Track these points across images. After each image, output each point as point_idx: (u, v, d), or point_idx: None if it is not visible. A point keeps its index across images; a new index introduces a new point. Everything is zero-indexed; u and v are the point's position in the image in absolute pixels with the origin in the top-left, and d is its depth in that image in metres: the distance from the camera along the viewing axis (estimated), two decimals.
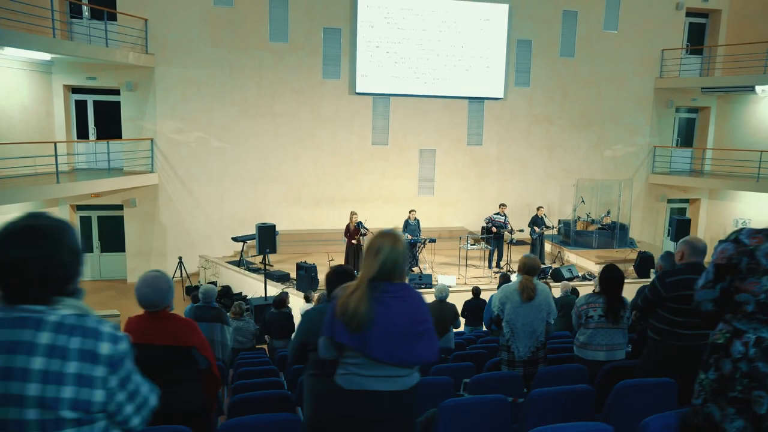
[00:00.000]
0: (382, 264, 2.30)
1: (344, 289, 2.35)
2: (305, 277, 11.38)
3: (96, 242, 14.23)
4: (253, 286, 12.10)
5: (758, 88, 15.23)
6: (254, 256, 13.43)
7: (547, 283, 10.12)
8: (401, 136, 15.36)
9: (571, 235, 15.12)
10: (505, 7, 15.24)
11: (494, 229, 13.10)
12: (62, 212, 13.60)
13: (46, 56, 12.17)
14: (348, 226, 12.41)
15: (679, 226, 13.14)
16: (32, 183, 11.20)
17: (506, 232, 13.19)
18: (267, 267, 11.95)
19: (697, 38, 17.23)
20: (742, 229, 2.17)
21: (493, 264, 13.39)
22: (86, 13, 13.40)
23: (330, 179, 15.02)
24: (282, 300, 8.29)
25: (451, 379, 3.94)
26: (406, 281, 2.40)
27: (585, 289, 11.04)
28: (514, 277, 9.49)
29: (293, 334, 3.20)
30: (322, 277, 11.69)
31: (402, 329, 2.29)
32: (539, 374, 4.09)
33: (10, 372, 1.41)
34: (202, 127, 14.13)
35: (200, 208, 14.30)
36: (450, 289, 8.14)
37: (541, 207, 13.86)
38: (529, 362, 4.53)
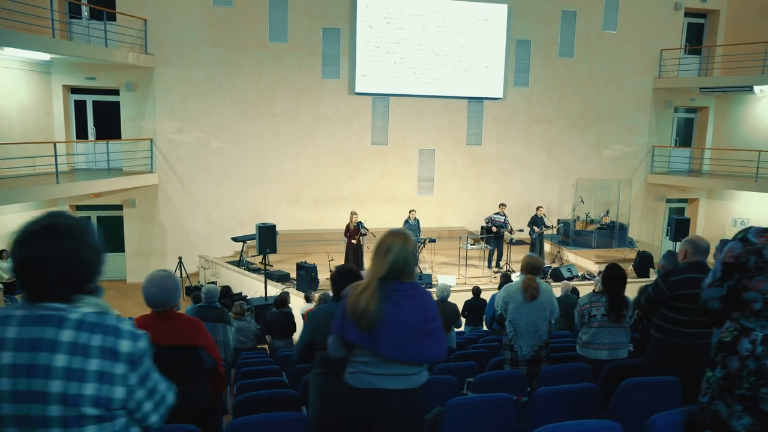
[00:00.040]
0: (392, 263, 2.32)
1: (354, 288, 2.36)
2: (305, 277, 11.39)
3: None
4: (252, 286, 12.10)
5: (756, 88, 15.28)
6: (254, 256, 13.43)
7: (548, 283, 10.13)
8: (400, 136, 15.37)
9: (570, 235, 15.15)
10: (504, 7, 15.27)
11: (494, 229, 13.11)
12: None
13: (46, 56, 12.16)
14: (348, 226, 12.41)
15: (678, 225, 13.18)
16: (32, 183, 11.19)
17: (506, 232, 13.20)
18: (267, 267, 11.95)
19: (695, 38, 17.27)
20: (749, 228, 2.18)
21: (493, 264, 13.41)
22: (85, 13, 13.38)
23: (329, 179, 15.03)
24: (283, 300, 8.29)
25: (455, 378, 3.95)
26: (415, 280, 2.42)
27: (584, 289, 11.07)
28: (515, 277, 9.52)
29: (300, 334, 3.21)
30: (322, 277, 11.74)
31: (412, 328, 2.30)
32: (543, 373, 4.10)
33: (33, 369, 1.43)
34: (202, 128, 14.12)
35: (200, 208, 14.29)
36: (450, 288, 8.16)
37: (541, 207, 13.88)
38: (532, 361, 4.54)
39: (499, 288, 8.10)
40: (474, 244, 13.73)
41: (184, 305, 8.35)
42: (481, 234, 13.98)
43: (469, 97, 15.60)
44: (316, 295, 9.37)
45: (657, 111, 16.77)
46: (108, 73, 13.40)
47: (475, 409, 3.04)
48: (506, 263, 13.16)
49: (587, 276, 13.05)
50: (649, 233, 17.07)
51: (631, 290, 4.85)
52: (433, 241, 13.10)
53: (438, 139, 15.63)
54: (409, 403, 2.37)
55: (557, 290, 9.36)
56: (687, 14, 16.78)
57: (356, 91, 14.80)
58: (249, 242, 13.16)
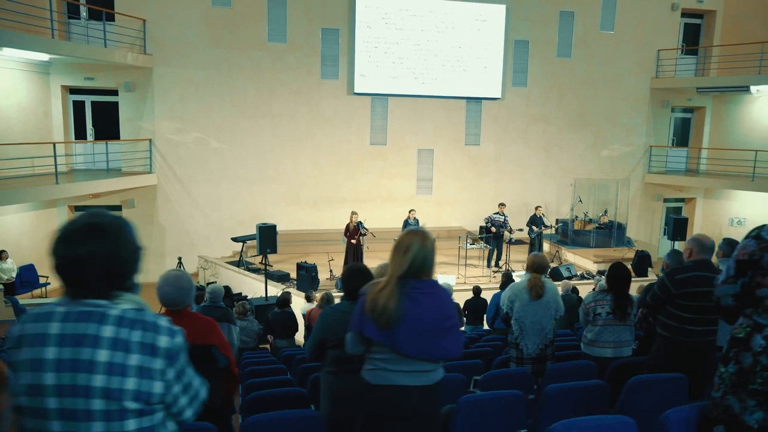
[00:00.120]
0: (411, 261, 2.35)
1: (373, 285, 2.39)
2: (306, 277, 11.40)
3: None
4: (252, 287, 12.11)
5: (753, 88, 15.38)
6: (253, 256, 13.43)
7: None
8: (399, 136, 15.40)
9: (568, 235, 15.21)
10: (502, 8, 15.32)
11: (493, 229, 13.15)
12: (60, 213, 13.58)
13: (44, 57, 12.14)
14: (348, 226, 12.43)
15: (676, 225, 13.24)
16: (31, 184, 11.17)
17: (506, 232, 13.25)
18: (267, 267, 11.96)
19: (692, 39, 17.36)
20: (763, 226, 2.21)
21: (492, 263, 13.45)
22: (84, 14, 13.36)
23: (328, 179, 15.05)
24: (286, 300, 8.31)
25: (464, 376, 3.98)
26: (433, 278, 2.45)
27: (584, 288, 11.14)
28: (516, 276, 9.55)
29: (311, 332, 3.23)
30: (322, 277, 11.76)
31: (430, 325, 2.33)
32: (549, 371, 4.14)
33: (77, 364, 1.45)
34: (201, 128, 14.12)
35: (199, 209, 14.29)
36: (452, 288, 8.19)
37: (540, 206, 13.93)
38: (537, 359, 4.58)
39: (501, 287, 8.17)
40: (473, 244, 13.76)
41: None
42: (480, 234, 14.02)
43: (468, 98, 15.65)
44: (317, 295, 9.39)
45: (654, 111, 16.85)
46: (107, 73, 13.39)
47: (487, 407, 3.07)
48: (505, 263, 13.20)
49: (586, 275, 13.10)
50: (647, 232, 17.15)
51: (631, 289, 4.90)
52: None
53: (437, 140, 15.67)
54: (426, 400, 2.40)
55: (557, 289, 9.38)
56: (684, 14, 16.87)
57: (355, 91, 14.82)
58: (248, 242, 13.17)
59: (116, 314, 1.50)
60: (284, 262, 13.42)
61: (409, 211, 13.13)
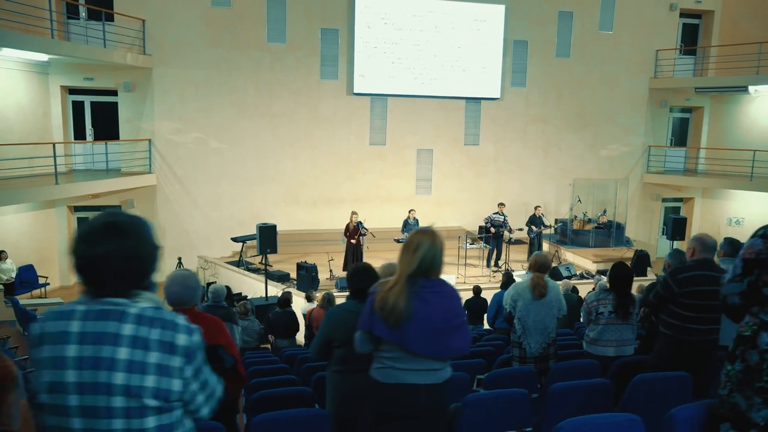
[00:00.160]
0: (420, 260, 2.36)
1: (383, 284, 2.40)
2: (306, 276, 11.41)
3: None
4: (252, 287, 12.12)
5: (751, 88, 15.42)
6: (253, 256, 13.44)
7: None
8: (399, 136, 15.42)
9: (568, 234, 15.25)
10: (501, 8, 15.34)
11: (492, 230, 13.17)
12: (59, 213, 13.57)
13: (43, 57, 12.12)
14: (348, 226, 12.45)
15: (675, 224, 13.26)
16: (31, 184, 11.16)
17: (506, 232, 13.27)
18: (267, 267, 11.96)
19: (690, 39, 17.41)
20: None
21: (492, 263, 13.47)
22: (83, 14, 13.34)
23: (328, 179, 15.06)
24: (287, 299, 8.33)
25: (468, 375, 4.00)
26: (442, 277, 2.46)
27: (583, 288, 11.17)
28: (516, 276, 9.58)
29: (317, 331, 3.24)
30: (322, 277, 11.77)
31: (439, 323, 2.35)
32: (553, 369, 4.16)
33: (98, 361, 1.47)
34: (200, 128, 14.12)
35: (198, 209, 14.29)
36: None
37: (539, 206, 13.96)
38: (540, 358, 4.60)
39: (502, 287, 8.19)
40: (473, 244, 13.78)
41: None
42: (479, 233, 14.04)
43: (467, 98, 15.67)
44: (318, 295, 9.40)
45: (653, 111, 16.90)
46: (106, 73, 13.37)
47: (492, 405, 3.09)
48: (505, 262, 13.23)
49: (585, 275, 13.14)
50: (646, 232, 17.19)
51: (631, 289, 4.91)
52: None
53: (436, 140, 15.69)
54: (435, 398, 2.41)
55: (560, 289, 9.41)
56: (682, 15, 16.91)
57: (354, 91, 14.84)
58: (248, 242, 13.17)
59: (135, 312, 1.51)
60: (284, 262, 13.43)
61: (409, 211, 13.15)
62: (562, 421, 2.33)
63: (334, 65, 14.72)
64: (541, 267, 4.61)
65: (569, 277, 12.15)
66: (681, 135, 17.97)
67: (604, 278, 10.59)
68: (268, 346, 8.64)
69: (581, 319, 8.25)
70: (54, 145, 11.67)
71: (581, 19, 15.97)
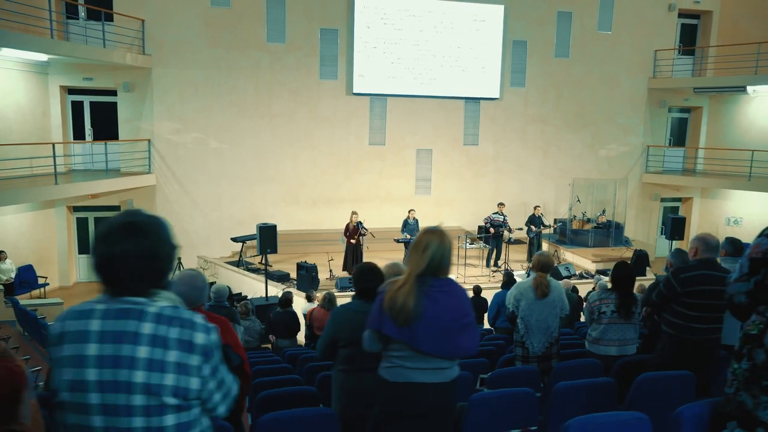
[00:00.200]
0: (430, 260, 2.38)
1: (392, 284, 2.41)
2: (306, 276, 11.41)
3: (93, 243, 14.12)
4: (252, 287, 12.12)
5: (749, 88, 15.47)
6: (253, 256, 13.44)
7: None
8: (398, 136, 15.43)
9: (567, 234, 15.28)
10: (500, 8, 15.37)
11: (492, 230, 13.19)
12: (59, 214, 13.56)
13: (43, 57, 12.11)
14: (348, 226, 12.46)
15: (674, 224, 13.27)
16: (30, 184, 11.15)
17: (505, 231, 13.29)
18: (267, 267, 11.96)
19: (689, 39, 17.46)
20: None
21: (491, 263, 13.49)
22: (83, 14, 13.33)
23: (328, 179, 15.06)
24: (288, 299, 8.34)
25: (471, 375, 4.01)
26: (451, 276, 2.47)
27: (583, 287, 11.20)
28: (516, 276, 9.60)
29: (323, 331, 3.25)
30: (322, 276, 11.78)
31: (448, 323, 2.36)
32: (556, 369, 4.17)
33: (118, 360, 1.48)
34: (200, 128, 14.11)
35: (198, 209, 14.28)
36: None
37: (538, 206, 13.99)
38: (543, 357, 4.61)
39: (503, 286, 8.21)
40: (472, 244, 13.80)
41: None
42: (478, 233, 14.06)
43: (466, 98, 15.69)
44: (318, 295, 9.40)
45: (651, 111, 16.94)
46: (105, 73, 13.36)
47: (498, 404, 3.10)
48: (504, 262, 13.25)
49: (585, 274, 13.17)
50: (644, 232, 17.23)
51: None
52: None
53: (435, 140, 15.70)
54: (443, 397, 2.43)
55: (562, 288, 9.43)
56: (681, 15, 16.96)
57: (354, 91, 14.85)
58: (248, 242, 13.17)
59: (154, 311, 1.52)
60: (283, 262, 13.43)
61: (409, 211, 13.17)
62: (570, 420, 2.34)
63: (333, 65, 14.73)
64: (543, 267, 4.62)
65: (569, 277, 12.17)
66: (680, 135, 18.02)
67: (604, 278, 10.65)
68: (269, 345, 8.64)
69: (581, 319, 8.28)
70: (54, 145, 11.66)
71: (580, 19, 16.00)
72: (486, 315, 8.90)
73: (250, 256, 13.53)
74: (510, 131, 16.10)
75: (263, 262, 11.77)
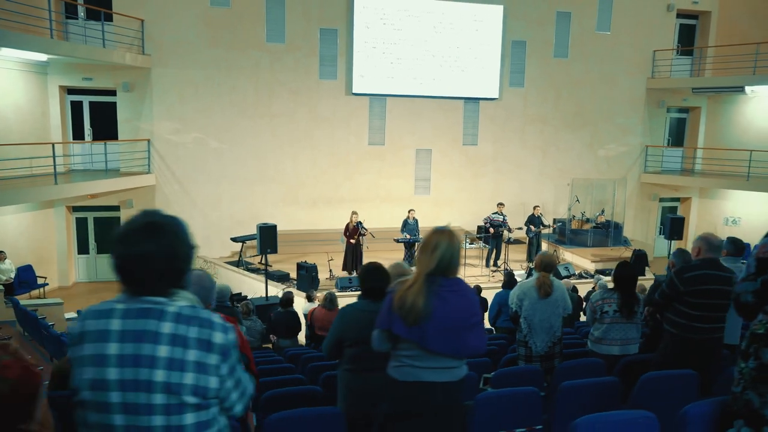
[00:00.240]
0: (439, 260, 2.40)
1: (401, 283, 2.43)
2: (306, 276, 11.43)
3: (92, 243, 14.16)
4: (252, 287, 12.13)
5: (747, 89, 15.51)
6: (252, 256, 13.44)
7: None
8: (397, 136, 15.44)
9: (566, 234, 15.31)
10: (499, 9, 15.39)
11: (491, 230, 13.22)
12: (58, 214, 13.54)
13: (42, 57, 12.09)
14: (348, 226, 12.48)
15: (673, 224, 13.32)
16: (30, 184, 11.14)
17: (505, 231, 13.32)
18: (267, 267, 11.97)
19: (687, 39, 17.50)
20: None
21: (491, 263, 13.51)
22: (82, 14, 13.31)
23: (327, 179, 15.07)
24: (289, 299, 8.34)
25: (475, 374, 4.02)
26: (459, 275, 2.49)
27: (583, 287, 11.22)
28: (516, 275, 9.62)
29: (329, 330, 3.26)
30: (322, 276, 11.79)
31: (457, 322, 2.38)
32: (560, 368, 4.19)
33: (139, 359, 1.49)
34: (200, 128, 14.10)
35: (198, 209, 14.26)
36: None
37: (538, 206, 14.02)
38: (545, 357, 4.63)
39: (503, 286, 8.22)
40: (472, 244, 13.82)
41: None
42: (478, 233, 14.08)
43: (465, 98, 15.71)
44: (319, 295, 9.41)
45: (650, 111, 16.98)
46: (105, 73, 13.35)
47: (504, 403, 3.11)
48: (504, 262, 13.27)
49: (584, 274, 13.20)
50: (643, 232, 17.27)
51: None
52: None
53: (434, 140, 15.72)
54: (451, 396, 2.44)
55: (565, 288, 9.46)
56: (679, 15, 17.00)
57: (353, 91, 14.86)
58: (248, 242, 13.17)
59: (174, 311, 1.54)
60: (283, 262, 13.43)
61: (409, 211, 13.19)
62: (578, 419, 2.36)
63: (333, 65, 14.73)
64: (546, 266, 4.64)
65: (568, 277, 12.20)
66: (678, 135, 18.07)
67: (604, 278, 10.67)
68: (270, 345, 8.65)
69: (581, 318, 8.31)
70: (53, 145, 11.64)
71: (579, 19, 16.03)
72: (486, 315, 8.92)
73: (250, 256, 13.54)
74: (509, 131, 16.13)
75: (263, 262, 11.78)
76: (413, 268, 2.64)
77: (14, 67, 12.19)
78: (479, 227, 14.03)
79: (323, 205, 14.99)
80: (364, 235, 12.45)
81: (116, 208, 13.92)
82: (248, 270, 12.77)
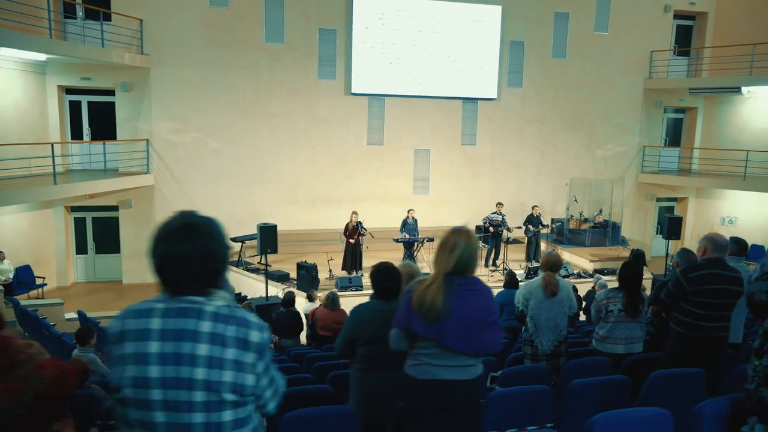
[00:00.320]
0: (457, 260, 2.43)
1: (420, 282, 2.46)
2: (306, 276, 11.43)
3: (90, 244, 14.12)
4: (252, 287, 12.13)
5: (744, 89, 15.60)
6: (252, 256, 13.43)
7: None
8: (396, 136, 15.47)
9: (564, 234, 15.37)
10: (498, 9, 15.43)
11: (491, 229, 13.26)
12: (56, 214, 13.50)
13: (41, 56, 12.06)
14: (347, 225, 12.49)
15: (671, 224, 13.37)
16: (28, 184, 11.10)
17: (504, 230, 13.36)
18: (267, 267, 11.97)
19: (684, 40, 17.60)
20: None
21: (490, 262, 13.55)
22: (81, 14, 13.28)
23: (326, 179, 15.08)
24: (291, 299, 8.35)
25: (487, 372, 4.05)
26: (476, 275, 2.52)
27: (582, 287, 11.27)
28: (518, 275, 9.66)
29: (341, 330, 3.28)
30: (322, 276, 11.80)
31: (475, 320, 2.41)
32: (566, 367, 4.22)
33: (179, 357, 1.52)
34: (199, 128, 14.09)
35: (196, 209, 14.08)
36: None
37: (536, 206, 14.07)
38: (551, 356, 4.67)
39: (505, 286, 8.26)
40: None
41: None
42: (477, 233, 14.11)
43: (464, 98, 15.75)
44: (320, 295, 9.43)
45: (647, 111, 17.06)
46: (103, 73, 13.32)
47: (515, 402, 3.14)
48: (503, 262, 13.31)
49: (583, 274, 13.26)
50: (640, 231, 17.35)
51: None
52: (431, 240, 13.16)
53: (433, 140, 15.75)
54: (467, 394, 2.47)
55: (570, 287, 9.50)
56: (676, 16, 17.09)
57: (352, 91, 14.87)
58: (247, 242, 13.15)
59: (212, 310, 1.56)
60: (282, 262, 13.44)
61: (408, 211, 13.21)
62: (594, 416, 2.39)
63: (331, 65, 14.74)
64: (552, 266, 4.68)
65: (567, 276, 12.26)
66: (675, 135, 18.16)
67: (603, 278, 10.72)
68: (271, 345, 8.65)
69: (581, 318, 8.35)
70: (52, 145, 11.61)
71: (577, 20, 16.10)
72: None
73: (249, 256, 13.52)
74: (507, 131, 16.18)
75: (262, 261, 11.77)
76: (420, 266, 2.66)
77: (13, 67, 12.16)
78: (478, 227, 14.05)
79: (322, 204, 15.00)
80: (363, 235, 12.46)
81: (115, 208, 13.89)
82: (248, 270, 12.77)
